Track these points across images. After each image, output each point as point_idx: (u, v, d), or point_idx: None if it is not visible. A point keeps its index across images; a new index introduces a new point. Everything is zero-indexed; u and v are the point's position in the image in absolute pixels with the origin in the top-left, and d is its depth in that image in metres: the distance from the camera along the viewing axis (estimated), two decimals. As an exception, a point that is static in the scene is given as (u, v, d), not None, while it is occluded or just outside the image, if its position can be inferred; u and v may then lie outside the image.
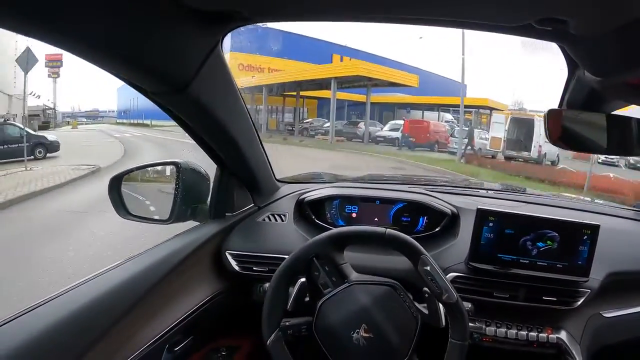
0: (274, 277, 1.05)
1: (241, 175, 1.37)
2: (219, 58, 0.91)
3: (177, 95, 0.89)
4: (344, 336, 1.00)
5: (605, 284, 1.29)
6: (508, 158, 14.97)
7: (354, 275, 1.06)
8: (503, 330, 1.26)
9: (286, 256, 1.08)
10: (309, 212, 1.48)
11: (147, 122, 45.25)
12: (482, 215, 1.23)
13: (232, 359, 1.37)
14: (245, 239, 1.37)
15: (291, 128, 25.54)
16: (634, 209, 1.69)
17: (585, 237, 1.22)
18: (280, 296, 1.05)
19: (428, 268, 1.00)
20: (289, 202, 1.51)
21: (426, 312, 1.02)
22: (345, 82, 20.94)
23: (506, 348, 1.27)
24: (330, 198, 1.50)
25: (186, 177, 1.29)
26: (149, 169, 1.44)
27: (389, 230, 1.05)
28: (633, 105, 0.94)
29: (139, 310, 1.02)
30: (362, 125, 21.62)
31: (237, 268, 1.32)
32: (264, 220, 1.45)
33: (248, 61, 26.73)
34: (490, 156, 15.49)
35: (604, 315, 1.36)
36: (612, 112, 0.97)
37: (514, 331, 1.26)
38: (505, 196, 1.66)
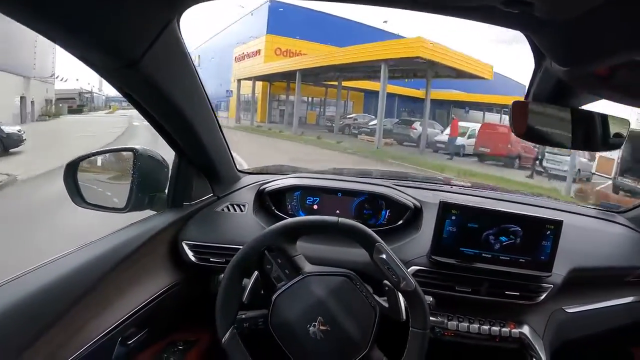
0: (227, 270, 1.02)
1: (200, 164, 1.33)
2: (175, 36, 0.87)
3: (128, 70, 0.85)
4: (300, 330, 0.97)
5: (568, 279, 1.30)
6: (624, 190, 9.68)
7: (307, 267, 1.04)
8: (465, 324, 1.26)
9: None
10: (269, 202, 1.45)
11: None
12: (445, 208, 1.22)
13: (189, 353, 1.33)
14: (203, 229, 1.33)
15: (331, 124, 22.66)
16: (599, 208, 1.73)
17: (548, 233, 1.22)
18: (234, 289, 1.01)
19: (384, 256, 0.97)
20: (249, 193, 1.48)
21: (386, 305, 1.00)
22: (400, 69, 16.80)
23: (468, 342, 1.27)
24: (291, 189, 1.47)
25: (143, 164, 1.24)
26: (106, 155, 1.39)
27: (341, 219, 1.02)
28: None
29: (89, 301, 0.97)
30: (417, 125, 17.32)
31: (193, 259, 1.28)
32: (222, 210, 1.41)
33: (287, 45, 25.74)
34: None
35: (566, 310, 1.38)
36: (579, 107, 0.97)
37: (476, 325, 1.26)
38: (471, 192, 1.67)
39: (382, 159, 12.43)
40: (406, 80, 20.83)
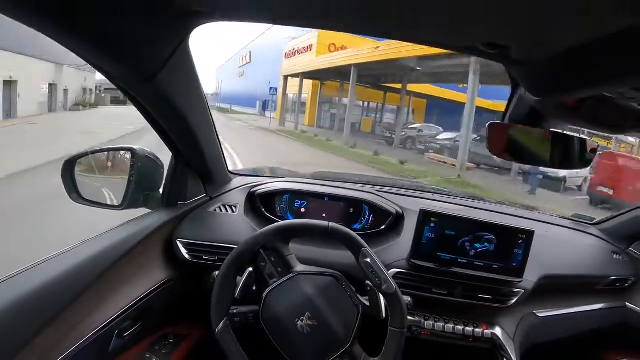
0: (223, 266, 1.07)
1: (195, 166, 1.38)
2: (187, 53, 0.92)
3: (143, 85, 0.91)
4: (289, 324, 1.03)
5: (538, 285, 1.38)
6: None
7: (299, 267, 1.11)
8: (441, 324, 1.34)
9: (235, 246, 1.10)
10: (260, 204, 1.52)
11: (227, 106, 47.17)
12: (425, 216, 1.31)
13: (180, 347, 1.37)
14: (196, 228, 1.38)
15: (390, 135, 18.96)
16: (573, 219, 1.82)
17: (520, 242, 1.31)
18: (229, 285, 1.07)
19: (368, 260, 1.05)
20: (241, 194, 1.54)
21: (368, 304, 1.07)
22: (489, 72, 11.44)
23: (443, 341, 1.35)
24: (280, 192, 1.54)
25: (141, 164, 1.29)
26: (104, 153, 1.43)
27: (332, 224, 1.09)
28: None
29: (88, 296, 1.02)
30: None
31: (187, 256, 1.34)
32: (215, 210, 1.47)
33: (342, 41, 22.50)
34: None
35: (537, 314, 1.47)
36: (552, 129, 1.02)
37: (451, 325, 1.34)
38: (450, 200, 1.75)
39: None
40: (460, 85, 17.88)
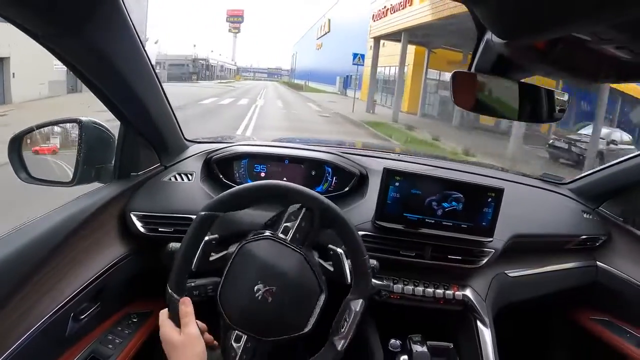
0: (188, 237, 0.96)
1: (146, 133, 1.30)
2: (117, 3, 0.86)
3: (69, 39, 0.84)
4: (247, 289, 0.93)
5: (509, 245, 1.38)
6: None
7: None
8: (410, 287, 1.31)
9: (192, 216, 1.01)
10: (217, 171, 1.46)
11: (301, 82, 45.25)
12: (388, 175, 1.26)
13: (143, 325, 1.32)
14: (151, 199, 1.32)
15: (567, 145, 11.51)
16: (543, 178, 1.83)
17: (490, 200, 1.28)
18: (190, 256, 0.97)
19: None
20: (197, 162, 1.47)
21: (332, 269, 1.02)
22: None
23: (414, 304, 1.33)
24: (238, 157, 1.48)
25: (89, 135, 1.21)
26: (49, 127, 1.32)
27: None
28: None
29: (38, 278, 0.97)
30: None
31: (142, 230, 1.27)
32: (170, 179, 1.40)
33: None
34: None
35: (508, 274, 1.47)
36: (522, 80, 0.96)
37: (420, 288, 1.32)
38: (416, 160, 1.71)
39: None
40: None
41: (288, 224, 1.00)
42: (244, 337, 0.91)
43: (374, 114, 17.63)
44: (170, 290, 0.91)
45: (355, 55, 18.45)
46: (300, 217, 1.00)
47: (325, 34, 43.52)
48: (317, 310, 0.94)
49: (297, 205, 1.01)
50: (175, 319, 0.89)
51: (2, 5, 0.70)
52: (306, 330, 0.93)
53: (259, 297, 0.91)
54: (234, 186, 1.33)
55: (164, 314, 0.91)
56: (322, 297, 0.95)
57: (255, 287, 0.92)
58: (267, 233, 1.00)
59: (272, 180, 1.03)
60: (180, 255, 0.94)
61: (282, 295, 0.92)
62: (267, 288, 0.92)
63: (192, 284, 0.98)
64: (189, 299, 0.92)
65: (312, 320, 0.93)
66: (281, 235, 0.99)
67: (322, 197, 0.99)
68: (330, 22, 39.15)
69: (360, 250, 0.96)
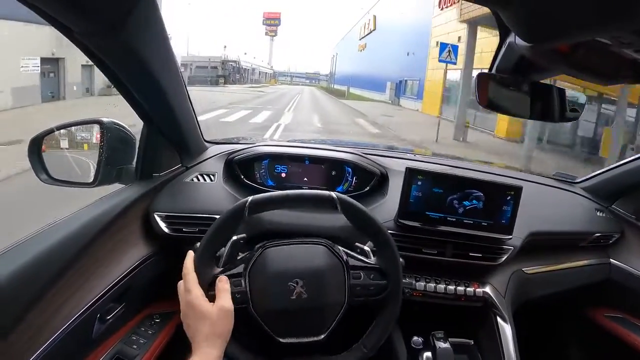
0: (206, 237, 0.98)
1: (168, 134, 1.30)
2: (153, 3, 0.86)
3: (105, 38, 0.85)
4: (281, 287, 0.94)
5: (526, 242, 1.40)
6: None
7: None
8: (432, 285, 1.33)
9: (217, 216, 1.01)
10: (238, 172, 1.47)
11: (343, 88, 39.92)
12: (411, 174, 1.28)
13: (167, 326, 1.32)
14: (174, 199, 1.32)
15: None
16: (556, 177, 1.86)
17: (509, 198, 1.30)
18: (212, 254, 0.99)
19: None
20: (218, 162, 1.48)
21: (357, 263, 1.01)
22: None
23: (436, 302, 1.34)
24: (259, 157, 1.49)
25: (111, 136, 1.21)
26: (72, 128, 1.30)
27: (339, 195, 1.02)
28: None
29: (65, 280, 0.97)
30: None
31: (166, 230, 1.28)
32: (192, 180, 1.40)
33: None
34: None
35: (525, 271, 1.49)
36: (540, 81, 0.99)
37: (442, 286, 1.33)
38: (434, 160, 1.75)
39: None
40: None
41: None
42: None
43: (466, 142, 12.28)
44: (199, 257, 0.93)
45: (443, 46, 13.07)
46: None
47: (370, 32, 39.66)
48: (338, 317, 0.95)
49: None
50: (205, 288, 0.90)
51: (41, 3, 0.71)
52: (321, 337, 0.94)
53: (294, 296, 0.92)
54: (256, 187, 1.38)
55: (190, 281, 0.90)
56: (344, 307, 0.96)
57: (287, 285, 0.93)
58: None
59: (324, 191, 1.02)
60: (215, 226, 0.96)
61: (313, 287, 0.93)
62: (300, 283, 0.93)
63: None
64: (226, 277, 0.92)
65: (330, 327, 0.95)
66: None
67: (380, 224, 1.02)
68: (376, 19, 34.91)
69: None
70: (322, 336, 0.94)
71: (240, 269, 0.96)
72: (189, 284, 0.89)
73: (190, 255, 0.94)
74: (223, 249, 1.02)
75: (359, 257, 1.01)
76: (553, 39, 0.73)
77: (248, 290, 0.93)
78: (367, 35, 40.07)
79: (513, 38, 0.86)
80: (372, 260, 1.01)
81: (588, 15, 0.56)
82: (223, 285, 0.90)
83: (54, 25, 0.80)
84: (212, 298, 0.89)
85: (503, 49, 0.94)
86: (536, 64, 0.92)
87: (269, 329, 0.92)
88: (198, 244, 1.04)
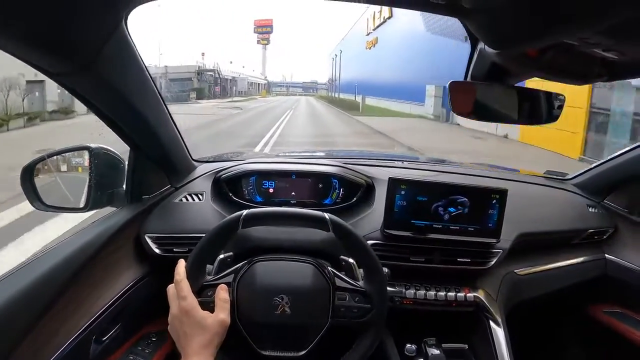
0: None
1: (155, 156, 1.33)
2: (125, 35, 0.89)
3: (81, 76, 0.87)
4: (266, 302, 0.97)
5: (516, 244, 1.40)
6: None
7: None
8: (422, 292, 1.34)
9: (203, 235, 1.03)
10: (226, 189, 1.49)
11: (349, 98, 35.79)
12: (394, 184, 1.29)
13: (163, 344, 1.34)
14: (164, 220, 1.35)
15: None
16: (544, 175, 1.86)
17: (494, 202, 1.30)
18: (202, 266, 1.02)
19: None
20: (206, 181, 1.51)
21: (345, 278, 1.04)
22: None
23: (427, 309, 1.35)
24: (246, 174, 1.51)
25: (99, 161, 1.24)
26: (62, 155, 1.33)
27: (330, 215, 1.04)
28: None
29: (61, 304, 0.99)
30: None
31: (157, 251, 1.30)
32: (181, 200, 1.43)
33: None
34: None
35: (517, 273, 1.49)
36: (517, 85, 1.00)
37: (432, 292, 1.34)
38: (420, 166, 1.76)
39: None
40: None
41: None
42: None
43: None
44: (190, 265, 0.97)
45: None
46: None
47: (384, 21, 31.32)
48: (319, 335, 0.97)
49: None
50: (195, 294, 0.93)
51: (14, 46, 0.72)
52: (301, 353, 0.96)
53: (279, 311, 0.95)
54: (245, 203, 1.40)
55: (184, 288, 0.93)
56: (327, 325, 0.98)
57: (273, 300, 0.95)
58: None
59: (318, 212, 1.05)
60: (209, 236, 1.00)
61: (298, 304, 0.96)
62: (285, 299, 0.96)
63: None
64: (226, 287, 0.96)
65: (310, 345, 0.97)
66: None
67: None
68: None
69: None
70: (303, 352, 0.96)
71: (229, 278, 0.99)
72: (184, 291, 0.92)
73: (182, 262, 0.97)
74: (210, 266, 1.05)
75: (346, 278, 1.02)
76: (518, 45, 0.75)
77: (235, 301, 0.96)
78: (378, 26, 33.03)
79: (482, 45, 0.89)
80: (360, 282, 1.03)
81: (548, 18, 0.58)
82: (224, 295, 0.93)
83: (36, 68, 0.82)
84: (202, 305, 0.91)
85: (475, 57, 0.96)
86: (507, 70, 0.92)
87: (251, 340, 0.95)
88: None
